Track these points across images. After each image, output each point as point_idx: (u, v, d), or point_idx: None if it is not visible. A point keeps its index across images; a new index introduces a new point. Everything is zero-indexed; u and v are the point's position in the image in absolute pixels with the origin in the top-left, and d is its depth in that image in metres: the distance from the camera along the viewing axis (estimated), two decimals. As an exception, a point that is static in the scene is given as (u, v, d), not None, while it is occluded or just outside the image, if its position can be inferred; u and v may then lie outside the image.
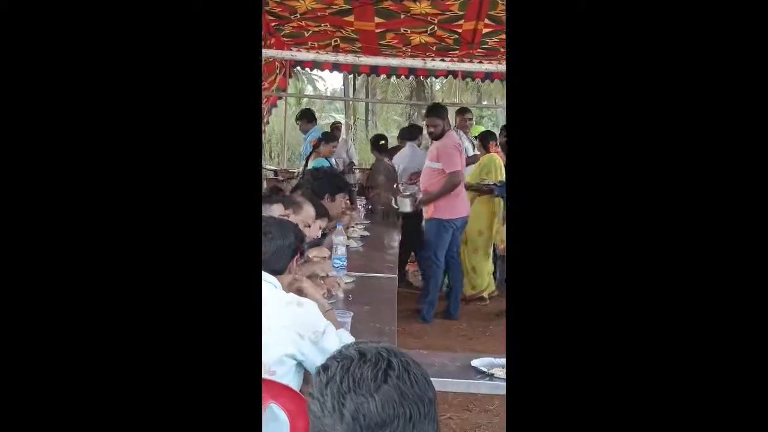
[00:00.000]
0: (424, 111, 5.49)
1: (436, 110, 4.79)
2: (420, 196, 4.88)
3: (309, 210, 3.02)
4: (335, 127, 8.66)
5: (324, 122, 16.56)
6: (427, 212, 4.81)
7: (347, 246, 3.47)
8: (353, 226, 4.42)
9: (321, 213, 3.16)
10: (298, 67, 8.30)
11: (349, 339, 2.16)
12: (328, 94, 19.10)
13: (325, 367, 0.92)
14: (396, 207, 5.04)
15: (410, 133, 6.30)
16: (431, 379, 0.92)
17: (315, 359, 1.76)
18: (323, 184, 3.85)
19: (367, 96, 16.88)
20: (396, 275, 3.42)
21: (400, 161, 5.86)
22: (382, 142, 6.11)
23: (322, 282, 2.69)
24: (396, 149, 6.54)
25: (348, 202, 4.33)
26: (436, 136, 4.70)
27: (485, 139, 5.46)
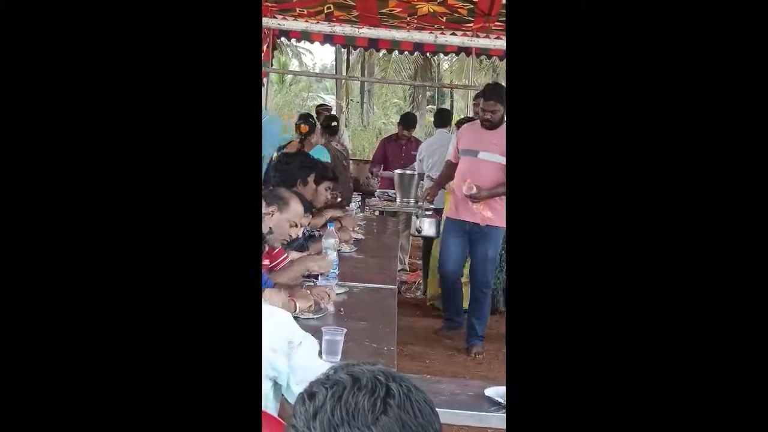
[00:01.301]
0: (479, 92, 4.83)
1: (498, 92, 4.31)
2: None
3: (296, 207, 2.98)
4: (323, 111, 8.48)
5: (311, 103, 16.39)
6: (478, 215, 4.37)
7: (338, 251, 3.39)
8: (355, 229, 4.28)
9: (306, 208, 3.13)
10: (283, 38, 8.16)
11: (333, 355, 2.11)
12: (317, 71, 18.94)
13: (311, 395, 0.89)
14: (417, 231, 4.78)
15: (443, 119, 6.15)
16: (437, 409, 0.90)
17: (292, 376, 1.75)
18: (291, 169, 3.83)
19: (362, 74, 16.71)
20: (396, 286, 3.39)
21: (428, 153, 5.67)
22: (334, 123, 5.97)
23: (308, 292, 2.65)
24: (394, 139, 6.44)
25: (332, 191, 4.16)
26: (494, 125, 4.29)
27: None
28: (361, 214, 5.25)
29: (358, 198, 5.72)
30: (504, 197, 4.17)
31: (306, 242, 3.50)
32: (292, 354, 1.76)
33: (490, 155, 4.29)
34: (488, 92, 4.38)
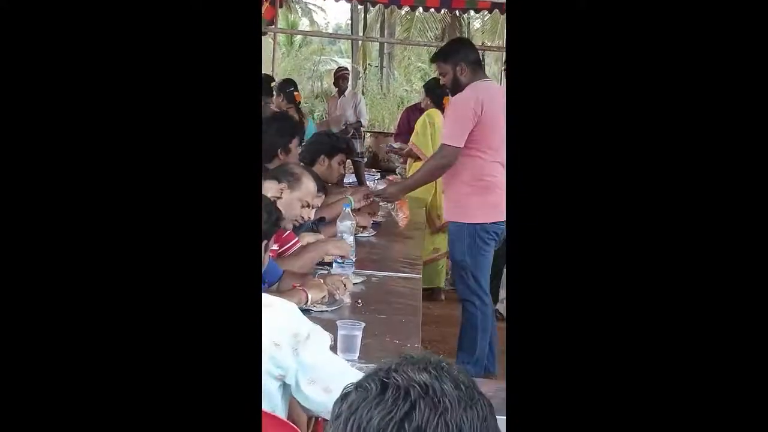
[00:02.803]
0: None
1: (444, 51, 4.06)
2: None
3: (309, 185, 3.01)
4: (344, 74, 8.47)
5: (324, 68, 16.40)
6: (399, 203, 4.28)
7: (355, 235, 3.44)
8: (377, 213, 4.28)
9: (319, 186, 3.18)
10: (292, -7, 8.24)
11: (349, 353, 2.15)
12: (330, 31, 18.99)
13: (345, 395, 0.92)
14: None
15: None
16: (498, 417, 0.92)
17: (301, 375, 1.75)
18: (318, 146, 3.88)
19: (382, 35, 16.76)
20: (420, 275, 3.42)
21: None
22: (291, 89, 5.84)
23: (321, 281, 2.70)
24: (419, 109, 6.45)
25: (343, 165, 4.16)
26: (451, 85, 4.00)
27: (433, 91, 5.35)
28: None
29: (377, 176, 5.77)
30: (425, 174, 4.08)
31: (316, 225, 3.53)
32: (299, 349, 1.75)
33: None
34: (436, 53, 4.15)
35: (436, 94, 5.50)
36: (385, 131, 10.08)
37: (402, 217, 4.26)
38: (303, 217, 3.04)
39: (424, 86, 6.52)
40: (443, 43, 4.94)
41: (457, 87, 3.94)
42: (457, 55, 3.94)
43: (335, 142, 4.04)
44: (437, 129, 5.18)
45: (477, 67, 3.98)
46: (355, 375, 1.55)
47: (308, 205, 3.01)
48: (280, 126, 3.74)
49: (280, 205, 2.59)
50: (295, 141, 3.80)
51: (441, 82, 4.25)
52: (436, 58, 4.09)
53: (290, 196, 2.94)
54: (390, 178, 5.62)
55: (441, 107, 5.25)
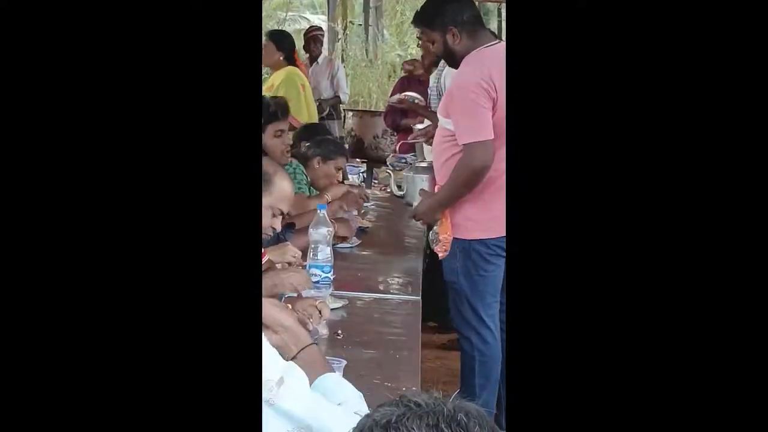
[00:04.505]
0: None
1: (426, 14, 3.75)
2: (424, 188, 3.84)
3: (284, 186, 2.87)
4: (312, 37, 8.29)
5: (292, 27, 16.19)
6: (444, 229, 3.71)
7: (333, 245, 3.31)
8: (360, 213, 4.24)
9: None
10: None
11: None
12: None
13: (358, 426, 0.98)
14: (395, 191, 4.10)
15: None
16: None
17: (277, 427, 1.77)
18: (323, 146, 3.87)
19: (366, -14, 16.58)
20: (420, 297, 3.35)
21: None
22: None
23: (288, 307, 2.59)
24: (418, 80, 6.26)
25: (340, 170, 4.24)
26: (444, 57, 3.80)
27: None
28: (368, 192, 5.08)
29: (362, 168, 5.64)
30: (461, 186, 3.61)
31: (284, 234, 3.41)
32: (271, 398, 1.76)
33: (443, 119, 3.70)
34: (416, 15, 3.85)
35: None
36: (373, 109, 9.88)
37: (441, 241, 3.74)
38: (275, 228, 2.92)
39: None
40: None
41: (452, 58, 3.65)
42: (444, 15, 3.57)
43: (333, 145, 4.12)
44: (308, 90, 5.02)
45: (477, 28, 3.63)
46: (343, 417, 1.75)
47: (280, 214, 2.88)
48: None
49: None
50: (273, 127, 3.78)
51: (431, 51, 3.92)
52: (417, 23, 3.78)
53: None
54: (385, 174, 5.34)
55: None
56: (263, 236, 2.90)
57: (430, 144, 4.15)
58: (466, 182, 3.53)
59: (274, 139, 3.85)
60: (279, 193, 2.84)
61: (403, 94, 6.01)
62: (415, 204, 3.83)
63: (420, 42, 4.16)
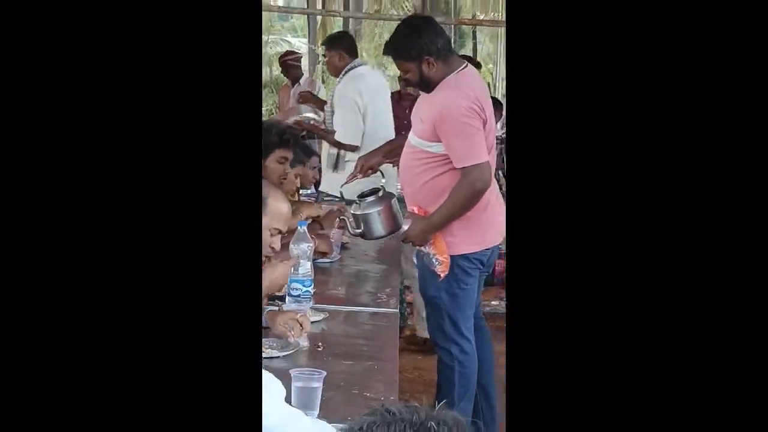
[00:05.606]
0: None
1: (396, 44, 3.74)
2: (403, 213, 3.79)
3: (279, 207, 2.86)
4: (288, 61, 8.33)
5: (274, 50, 16.21)
6: (432, 245, 3.75)
7: (314, 260, 3.29)
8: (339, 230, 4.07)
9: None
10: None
11: (307, 409, 2.13)
12: (281, 4, 18.88)
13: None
14: (352, 230, 3.90)
15: None
16: None
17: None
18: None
19: (346, 8, 16.68)
20: (397, 309, 3.42)
21: None
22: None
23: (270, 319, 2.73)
24: (396, 100, 6.29)
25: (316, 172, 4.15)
26: (418, 84, 3.77)
27: None
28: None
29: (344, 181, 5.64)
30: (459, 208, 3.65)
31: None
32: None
33: (420, 141, 3.71)
34: (388, 48, 3.82)
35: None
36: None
37: (442, 262, 3.73)
38: (274, 248, 2.90)
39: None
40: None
41: (426, 85, 3.69)
42: (420, 47, 3.60)
43: (304, 149, 4.03)
44: None
45: (449, 54, 3.71)
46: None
47: (279, 233, 2.88)
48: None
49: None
50: (278, 153, 3.78)
51: (404, 77, 3.86)
52: (391, 53, 3.79)
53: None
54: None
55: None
56: (263, 257, 2.87)
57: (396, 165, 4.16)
58: (466, 204, 3.60)
59: (277, 164, 3.86)
60: (275, 213, 2.85)
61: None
62: (382, 233, 3.83)
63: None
